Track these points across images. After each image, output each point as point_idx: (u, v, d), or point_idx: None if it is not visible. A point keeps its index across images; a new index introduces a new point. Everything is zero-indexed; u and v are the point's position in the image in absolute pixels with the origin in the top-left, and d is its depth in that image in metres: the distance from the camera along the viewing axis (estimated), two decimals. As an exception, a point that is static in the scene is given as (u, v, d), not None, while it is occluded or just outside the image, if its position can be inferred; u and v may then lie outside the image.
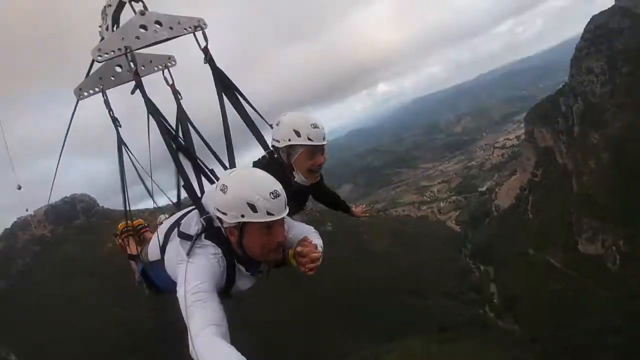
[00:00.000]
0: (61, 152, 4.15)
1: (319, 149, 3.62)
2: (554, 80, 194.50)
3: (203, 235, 2.67)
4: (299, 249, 2.81)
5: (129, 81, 3.65)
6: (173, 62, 4.11)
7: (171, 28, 3.43)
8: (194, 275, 2.46)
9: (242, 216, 2.53)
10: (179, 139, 3.44)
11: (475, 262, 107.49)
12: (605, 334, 65.29)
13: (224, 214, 2.59)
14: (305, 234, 3.14)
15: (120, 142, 3.74)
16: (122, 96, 3.70)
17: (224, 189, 2.59)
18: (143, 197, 3.91)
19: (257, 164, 3.71)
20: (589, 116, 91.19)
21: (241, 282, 2.88)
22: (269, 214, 2.52)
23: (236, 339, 2.30)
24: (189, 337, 2.21)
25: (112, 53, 3.27)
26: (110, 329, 76.07)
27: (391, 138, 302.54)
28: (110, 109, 3.72)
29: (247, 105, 3.70)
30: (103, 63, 3.57)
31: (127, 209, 3.87)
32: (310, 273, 2.77)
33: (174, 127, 3.58)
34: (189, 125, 3.58)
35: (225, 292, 2.79)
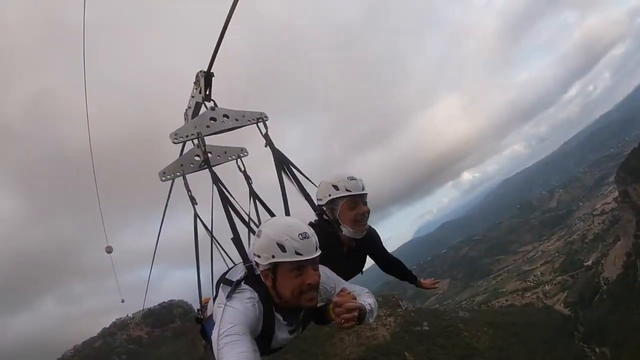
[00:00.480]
0: (153, 258, 5.03)
1: (360, 198, 3.77)
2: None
3: (243, 281, 2.80)
4: (335, 299, 2.85)
5: (204, 168, 4.08)
6: (246, 153, 4.73)
7: (237, 120, 4.12)
8: (228, 318, 2.51)
9: (273, 257, 2.64)
10: (233, 205, 3.78)
11: (589, 346, 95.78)
12: None
13: (259, 256, 2.72)
14: (356, 292, 3.18)
15: (196, 217, 4.26)
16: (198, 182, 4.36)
17: (259, 234, 2.77)
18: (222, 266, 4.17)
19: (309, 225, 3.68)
20: None
21: (280, 332, 2.88)
22: (297, 253, 2.61)
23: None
24: None
25: (186, 137, 3.95)
26: None
27: (484, 225, 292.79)
28: (189, 190, 4.32)
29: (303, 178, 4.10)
30: (185, 152, 4.39)
31: (199, 280, 4.21)
32: (346, 325, 2.71)
33: (249, 204, 4.20)
34: (257, 201, 4.20)
35: (266, 343, 2.83)
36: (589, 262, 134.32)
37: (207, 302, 4.17)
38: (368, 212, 3.82)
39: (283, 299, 2.73)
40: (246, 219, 3.98)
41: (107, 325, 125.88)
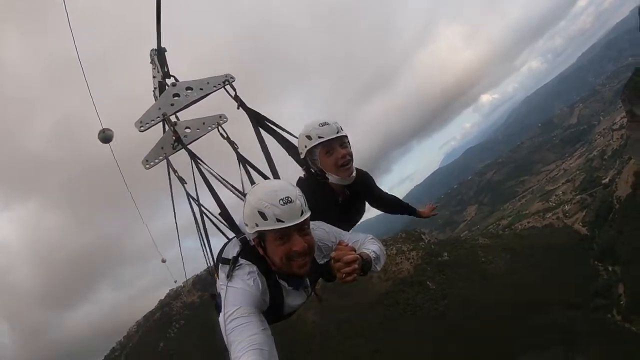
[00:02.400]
0: (176, 223, 5.06)
1: (335, 142, 3.63)
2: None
3: (239, 256, 2.73)
4: (332, 254, 2.65)
5: (188, 144, 4.21)
6: (225, 119, 4.63)
7: (201, 89, 4.06)
8: (231, 301, 2.47)
9: (256, 225, 2.56)
10: (222, 179, 3.86)
11: (603, 264, 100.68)
12: None
13: (247, 225, 2.67)
14: (360, 242, 3.15)
15: (189, 197, 4.22)
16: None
17: (244, 203, 2.67)
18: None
19: (299, 182, 3.87)
20: None
21: (290, 298, 2.87)
22: (278, 220, 2.50)
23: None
24: None
25: (152, 122, 3.89)
26: None
27: (508, 147, 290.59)
28: (175, 171, 4.27)
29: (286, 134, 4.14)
30: (165, 134, 4.31)
31: (209, 254, 4.17)
32: (348, 279, 2.55)
33: (239, 171, 4.16)
34: (247, 166, 4.13)
35: (278, 311, 2.83)
36: (606, 180, 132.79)
37: None
38: (349, 154, 3.68)
39: (276, 267, 2.69)
40: (235, 189, 3.89)
41: (163, 297, 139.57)
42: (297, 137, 3.90)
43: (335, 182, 3.73)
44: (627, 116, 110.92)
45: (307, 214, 2.63)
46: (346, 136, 3.71)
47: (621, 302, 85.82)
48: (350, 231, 3.51)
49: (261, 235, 2.61)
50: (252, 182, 4.03)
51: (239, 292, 2.52)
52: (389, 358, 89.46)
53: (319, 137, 3.60)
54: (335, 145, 3.64)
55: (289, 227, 2.52)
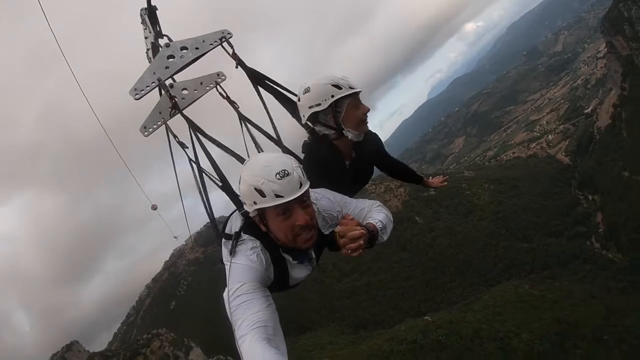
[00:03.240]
0: (179, 187, 4.75)
1: (359, 96, 3.46)
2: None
3: (242, 231, 2.68)
4: (337, 228, 2.58)
5: (184, 108, 3.98)
6: (223, 77, 4.45)
7: (197, 48, 3.83)
8: (235, 278, 2.44)
9: (255, 203, 2.48)
10: (222, 145, 3.63)
11: (583, 193, 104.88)
12: None
13: (245, 204, 2.60)
14: (365, 210, 3.08)
15: (191, 161, 3.89)
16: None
17: (240, 180, 2.58)
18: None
19: (304, 146, 3.67)
20: None
21: (295, 271, 2.83)
22: (277, 196, 2.42)
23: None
24: (236, 342, 2.18)
25: (147, 88, 3.67)
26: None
27: (494, 76, 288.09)
28: (175, 136, 3.93)
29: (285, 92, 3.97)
30: (162, 98, 4.01)
31: (212, 217, 4.01)
32: (354, 254, 2.50)
33: (242, 131, 4.06)
34: (248, 127, 4.00)
35: (283, 284, 2.81)
36: (589, 110, 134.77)
37: None
38: (369, 110, 3.50)
39: (280, 242, 2.63)
40: (237, 156, 3.63)
41: (168, 258, 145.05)
42: (294, 94, 3.74)
43: (349, 139, 3.51)
44: (607, 47, 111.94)
45: (307, 185, 2.55)
46: None
47: (599, 230, 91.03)
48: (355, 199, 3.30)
49: (261, 213, 2.55)
50: (255, 143, 4.02)
51: (242, 268, 2.50)
52: (383, 289, 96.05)
53: (350, 87, 3.37)
54: (359, 99, 3.47)
55: (289, 201, 2.45)
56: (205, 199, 3.93)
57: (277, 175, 2.42)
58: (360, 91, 3.43)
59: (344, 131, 3.47)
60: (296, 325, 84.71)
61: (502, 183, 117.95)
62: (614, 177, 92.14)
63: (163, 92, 3.91)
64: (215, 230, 3.28)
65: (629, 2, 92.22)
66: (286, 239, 2.58)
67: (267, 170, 2.45)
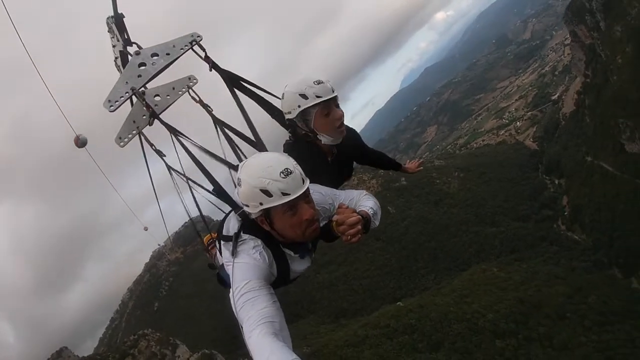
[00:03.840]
0: (155, 192, 4.93)
1: (332, 102, 3.46)
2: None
3: (241, 231, 2.70)
4: (334, 217, 2.72)
5: (160, 113, 3.89)
6: (195, 81, 4.32)
7: (168, 54, 3.74)
8: (239, 276, 2.47)
9: (261, 204, 2.52)
10: (204, 148, 3.61)
11: (550, 178, 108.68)
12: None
13: (247, 206, 2.61)
14: (355, 199, 3.16)
15: (169, 169, 4.07)
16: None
17: (239, 182, 2.61)
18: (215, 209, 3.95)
19: (285, 146, 3.73)
20: (611, 8, 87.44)
21: (296, 264, 2.88)
22: (284, 194, 2.48)
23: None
24: (244, 338, 2.21)
25: (121, 99, 3.58)
26: None
27: (464, 65, 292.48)
28: (151, 144, 3.99)
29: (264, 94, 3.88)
30: (135, 105, 3.90)
31: (192, 220, 4.15)
32: (354, 240, 2.65)
33: (217, 135, 3.90)
34: (224, 130, 3.85)
35: (284, 278, 2.84)
36: (555, 97, 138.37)
37: (209, 240, 4.54)
38: (343, 115, 3.53)
39: (287, 239, 2.69)
40: (223, 160, 3.66)
41: (148, 260, 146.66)
42: (277, 97, 3.74)
43: (326, 143, 3.60)
44: (570, 36, 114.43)
45: (308, 181, 2.61)
46: (337, 95, 3.56)
47: (565, 213, 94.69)
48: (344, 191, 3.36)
49: (266, 212, 2.56)
50: (234, 147, 3.86)
51: (246, 267, 2.52)
52: (360, 278, 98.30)
53: (317, 97, 3.38)
54: (332, 106, 3.47)
55: (295, 198, 2.50)
56: (196, 205, 4.01)
57: (282, 174, 2.48)
58: (329, 98, 3.42)
59: (318, 136, 3.54)
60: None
61: (470, 171, 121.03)
62: (577, 161, 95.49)
63: (136, 100, 3.85)
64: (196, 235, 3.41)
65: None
66: (295, 234, 2.64)
67: (270, 170, 2.50)
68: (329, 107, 3.44)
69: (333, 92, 3.43)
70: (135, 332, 67.26)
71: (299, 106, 3.41)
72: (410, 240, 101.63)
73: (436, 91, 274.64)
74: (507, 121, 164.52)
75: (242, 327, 2.25)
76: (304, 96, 3.39)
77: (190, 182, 3.89)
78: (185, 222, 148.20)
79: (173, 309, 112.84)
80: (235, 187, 2.80)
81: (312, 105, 3.39)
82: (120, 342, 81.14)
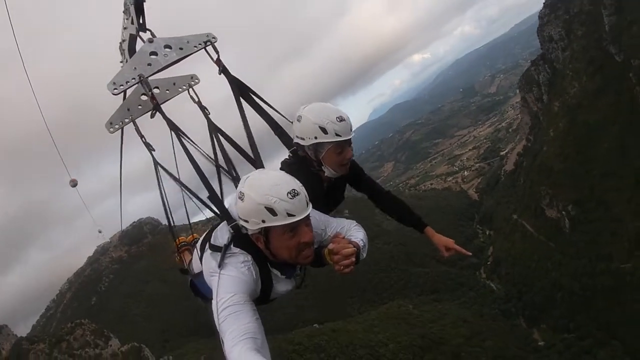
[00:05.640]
0: (120, 190, 4.77)
1: (347, 142, 3.47)
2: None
3: (232, 244, 2.66)
4: (330, 246, 2.75)
5: (155, 114, 3.73)
6: (196, 81, 4.24)
7: (181, 49, 3.65)
8: (225, 288, 2.44)
9: (263, 221, 2.49)
10: (201, 151, 3.53)
11: (483, 228, 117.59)
12: (555, 292, 77.07)
13: (246, 221, 2.57)
14: (345, 228, 3.17)
15: (156, 165, 3.86)
16: (156, 120, 3.62)
17: (241, 197, 2.56)
18: (196, 212, 3.89)
19: (284, 165, 3.68)
20: (555, 84, 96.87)
21: (279, 285, 2.86)
22: (289, 215, 2.46)
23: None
24: (224, 352, 2.18)
25: (127, 84, 3.48)
26: (178, 317, 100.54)
27: (430, 107, 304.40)
28: (142, 136, 3.80)
29: (267, 107, 3.76)
30: (131, 94, 3.76)
31: (172, 224, 4.03)
32: (346, 271, 2.70)
33: (210, 140, 3.66)
34: (220, 137, 3.66)
35: (265, 297, 2.82)
36: (504, 153, 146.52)
37: (195, 240, 4.27)
38: (352, 155, 3.57)
39: (279, 259, 2.68)
40: (214, 163, 3.56)
41: (91, 254, 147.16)
42: (284, 116, 3.78)
43: (327, 175, 3.57)
44: (521, 101, 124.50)
45: (311, 205, 2.61)
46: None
47: (488, 263, 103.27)
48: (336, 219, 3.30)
49: (266, 230, 2.54)
50: (226, 157, 3.59)
51: (232, 280, 2.50)
52: (292, 300, 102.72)
53: (337, 135, 3.34)
54: (346, 145, 3.46)
55: (299, 220, 2.49)
56: (185, 208, 3.97)
57: (289, 194, 2.46)
58: (346, 139, 3.40)
59: (323, 167, 3.52)
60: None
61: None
62: (505, 217, 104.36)
63: (134, 88, 3.66)
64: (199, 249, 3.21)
65: (539, 67, 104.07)
66: (290, 255, 2.63)
67: (277, 189, 2.47)
68: (344, 146, 3.46)
69: (351, 131, 3.45)
70: (73, 321, 70.54)
71: (316, 138, 3.38)
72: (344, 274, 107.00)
73: (400, 129, 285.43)
74: (457, 169, 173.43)
75: (222, 340, 2.25)
76: (324, 130, 3.35)
77: (179, 183, 3.75)
78: (134, 222, 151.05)
79: (109, 306, 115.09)
80: (222, 197, 3.04)
81: (329, 142, 3.39)
82: (58, 327, 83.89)
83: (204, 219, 4.20)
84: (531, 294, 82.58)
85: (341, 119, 3.34)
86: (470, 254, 4.83)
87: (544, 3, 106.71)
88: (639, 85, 72.58)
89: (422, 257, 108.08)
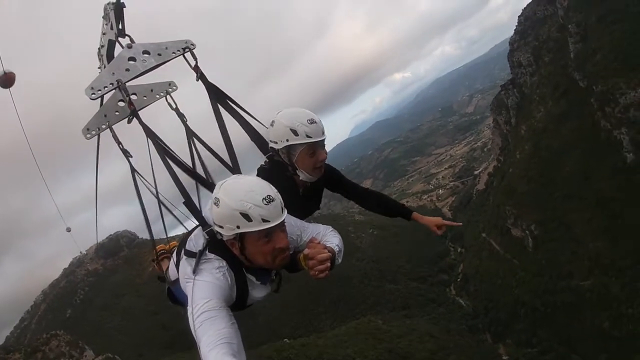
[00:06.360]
0: (96, 196, 4.80)
1: (319, 144, 3.53)
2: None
3: (207, 250, 2.66)
4: (305, 251, 2.77)
5: (132, 120, 3.67)
6: (174, 87, 4.36)
7: (159, 55, 3.63)
8: (200, 294, 2.44)
9: (238, 227, 2.49)
10: (177, 157, 3.44)
11: (454, 246, 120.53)
12: (518, 308, 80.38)
13: (221, 227, 2.57)
14: (321, 234, 3.20)
15: (133, 171, 3.94)
16: (132, 126, 3.59)
17: (216, 202, 2.55)
18: (175, 223, 4.01)
19: (260, 171, 3.72)
20: (522, 108, 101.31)
21: (255, 291, 2.88)
22: (264, 221, 2.48)
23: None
24: (200, 358, 2.18)
25: (105, 89, 3.45)
26: (153, 330, 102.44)
27: (409, 126, 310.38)
28: (119, 142, 3.86)
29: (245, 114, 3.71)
30: (107, 99, 3.79)
31: (151, 232, 4.11)
32: (321, 276, 2.71)
33: (188, 146, 3.92)
34: (196, 143, 3.88)
35: (241, 303, 2.83)
36: (478, 172, 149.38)
37: (162, 250, 4.40)
38: (326, 157, 3.61)
39: (254, 265, 2.70)
40: (191, 169, 3.60)
41: (67, 266, 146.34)
42: (260, 122, 3.79)
43: (302, 179, 3.64)
44: (493, 122, 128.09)
45: (286, 210, 2.64)
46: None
47: (458, 279, 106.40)
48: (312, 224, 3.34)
49: (241, 236, 2.56)
50: (203, 163, 3.86)
51: (207, 285, 2.51)
52: (264, 314, 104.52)
53: (307, 137, 3.42)
54: (318, 147, 3.53)
55: (274, 226, 2.52)
56: (161, 216, 4.04)
57: (264, 200, 2.48)
58: (318, 141, 3.48)
59: (297, 171, 3.59)
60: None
61: (385, 229, 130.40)
62: (475, 235, 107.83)
63: (112, 94, 3.73)
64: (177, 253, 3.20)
65: (509, 91, 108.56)
66: (265, 261, 2.65)
67: (252, 195, 2.50)
68: (316, 148, 3.51)
69: (323, 134, 3.50)
70: (49, 332, 71.33)
71: (287, 140, 3.45)
72: (315, 286, 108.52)
73: (379, 146, 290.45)
74: (432, 187, 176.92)
75: (198, 346, 2.25)
76: (294, 132, 3.42)
77: (155, 193, 3.80)
78: (110, 235, 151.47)
79: (84, 319, 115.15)
80: (200, 203, 3.12)
81: (300, 143, 3.45)
82: (33, 338, 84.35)
83: (183, 231, 4.20)
84: (496, 310, 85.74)
85: (312, 121, 3.45)
86: (461, 224, 6.81)
87: (514, 29, 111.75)
88: (600, 111, 75.72)
89: (394, 273, 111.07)
